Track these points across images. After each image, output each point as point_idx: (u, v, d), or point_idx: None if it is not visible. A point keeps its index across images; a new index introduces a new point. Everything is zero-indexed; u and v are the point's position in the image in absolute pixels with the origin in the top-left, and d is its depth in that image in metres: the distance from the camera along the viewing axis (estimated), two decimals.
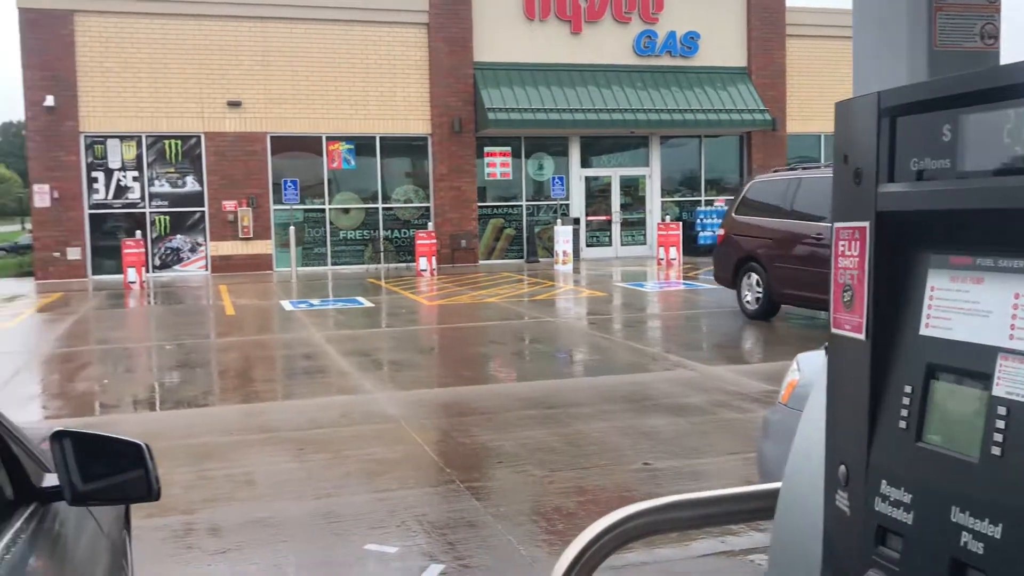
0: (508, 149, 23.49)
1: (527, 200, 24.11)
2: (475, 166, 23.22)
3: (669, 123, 23.37)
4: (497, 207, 23.96)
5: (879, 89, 1.57)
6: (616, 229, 24.93)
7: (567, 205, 24.18)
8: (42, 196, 20.68)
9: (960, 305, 1.43)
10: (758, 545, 4.36)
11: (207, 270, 21.83)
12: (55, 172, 20.61)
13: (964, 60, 1.62)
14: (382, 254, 22.97)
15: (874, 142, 1.55)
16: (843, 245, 1.68)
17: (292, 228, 20.95)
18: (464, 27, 22.75)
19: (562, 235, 21.12)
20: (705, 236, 24.11)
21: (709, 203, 25.13)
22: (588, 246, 24.55)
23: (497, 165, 23.46)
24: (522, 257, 23.91)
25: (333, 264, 22.77)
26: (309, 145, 22.45)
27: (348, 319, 13.20)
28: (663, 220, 22.90)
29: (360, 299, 15.62)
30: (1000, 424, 1.31)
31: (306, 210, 22.53)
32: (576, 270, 20.77)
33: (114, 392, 8.57)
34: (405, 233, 23.14)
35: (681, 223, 22.61)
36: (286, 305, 14.89)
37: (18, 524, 1.83)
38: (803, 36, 25.37)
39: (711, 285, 16.79)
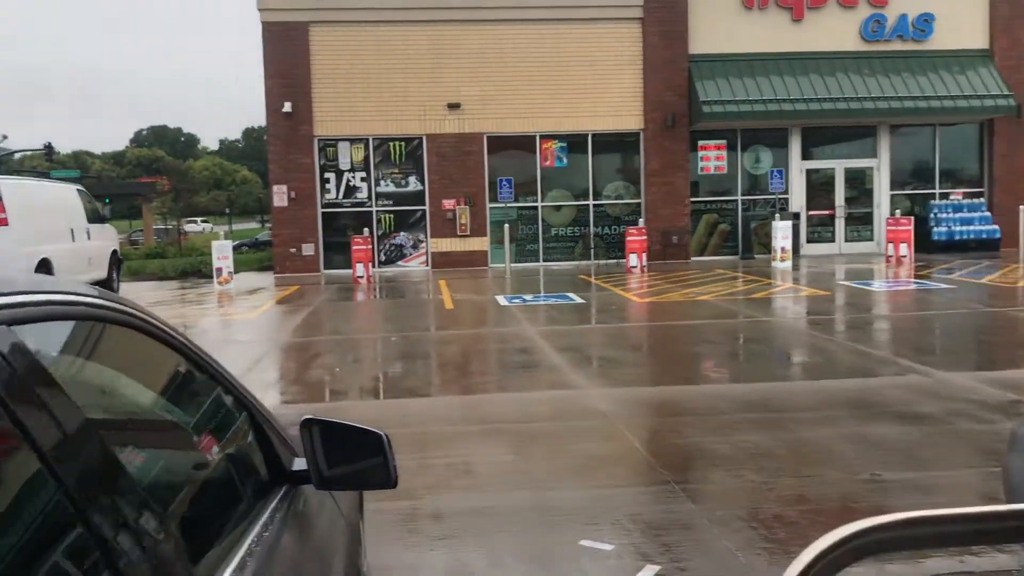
0: (723, 142, 22.96)
1: (742, 195, 23.43)
2: (688, 161, 22.84)
3: (900, 111, 21.97)
4: (711, 202, 23.46)
5: None
6: (840, 224, 23.72)
7: (786, 199, 23.30)
8: (280, 196, 22.38)
9: None
10: (1002, 568, 4.00)
11: (427, 265, 22.83)
12: (292, 174, 22.24)
13: None
14: (592, 251, 23.10)
15: None
16: None
17: (507, 225, 21.49)
18: (679, 19, 22.42)
19: (780, 231, 20.35)
20: (940, 232, 22.46)
21: (945, 196, 23.39)
22: (808, 242, 23.53)
23: (711, 159, 22.99)
24: (737, 254, 23.27)
25: (544, 260, 23.14)
26: (523, 144, 22.93)
27: (560, 315, 13.37)
28: (892, 215, 21.54)
29: (571, 295, 15.76)
30: None
31: (519, 207, 23.02)
32: (795, 267, 19.95)
33: (344, 380, 9.13)
34: (615, 230, 23.14)
35: (913, 218, 21.15)
36: (501, 300, 15.28)
37: (274, 503, 1.98)
38: None
39: (947, 285, 15.61)
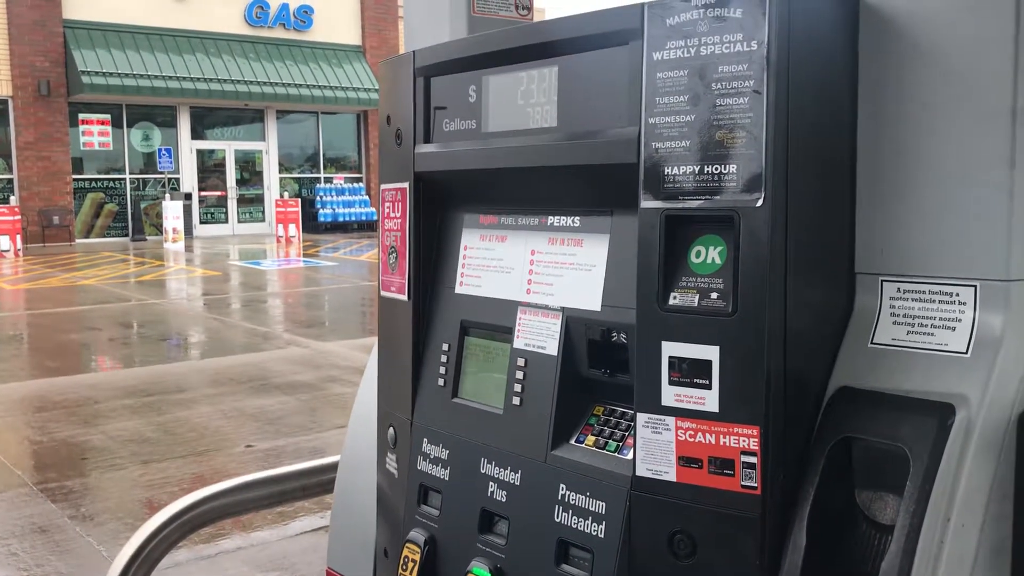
0: (107, 117, 21.53)
1: (132, 173, 22.26)
2: (68, 135, 20.94)
3: (284, 97, 22.87)
4: (97, 180, 21.86)
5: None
6: (232, 205, 23.93)
7: (177, 179, 22.72)
8: None
9: (488, 263, 1.47)
10: None
11: None
12: None
13: (500, 27, 1.65)
14: None
15: (411, 102, 1.54)
16: (388, 207, 1.66)
17: None
18: None
19: (172, 211, 19.83)
20: (325, 214, 24.00)
21: (328, 180, 25.04)
22: (202, 223, 23.31)
23: (96, 134, 21.42)
24: (127, 235, 22.08)
25: None
26: None
27: None
28: (281, 197, 22.42)
29: None
30: (520, 375, 1.36)
31: None
32: (189, 248, 19.63)
33: None
34: None
35: (300, 200, 22.27)
36: None
37: None
38: None
39: (331, 262, 16.75)
